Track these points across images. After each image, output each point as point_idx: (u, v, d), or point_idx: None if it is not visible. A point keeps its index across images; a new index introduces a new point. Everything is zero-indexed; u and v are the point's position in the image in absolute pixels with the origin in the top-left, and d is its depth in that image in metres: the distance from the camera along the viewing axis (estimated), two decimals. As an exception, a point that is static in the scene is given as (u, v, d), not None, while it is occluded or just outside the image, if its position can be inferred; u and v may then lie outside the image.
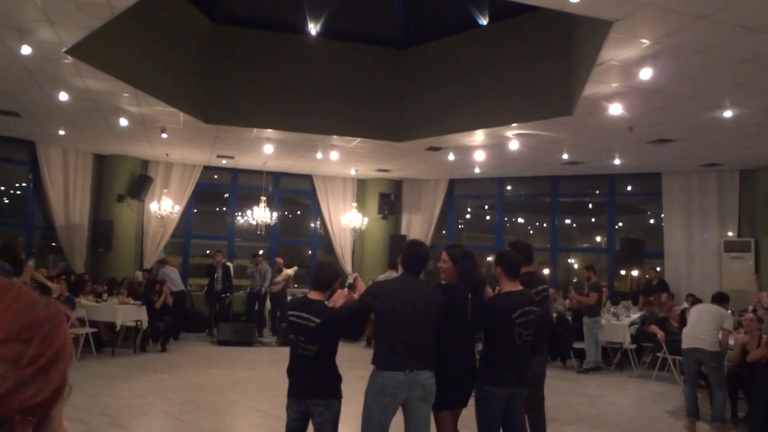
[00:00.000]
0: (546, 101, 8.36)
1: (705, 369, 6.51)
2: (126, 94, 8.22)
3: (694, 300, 9.32)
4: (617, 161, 11.17)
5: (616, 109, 7.41)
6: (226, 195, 14.34)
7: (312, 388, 3.68)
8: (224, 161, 12.85)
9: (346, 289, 4.18)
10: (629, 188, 13.59)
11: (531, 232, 17.73)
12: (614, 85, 6.98)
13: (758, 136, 9.01)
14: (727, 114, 7.82)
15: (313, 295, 3.80)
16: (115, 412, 6.10)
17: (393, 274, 10.82)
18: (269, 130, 9.89)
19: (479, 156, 10.83)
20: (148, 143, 11.28)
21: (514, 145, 9.76)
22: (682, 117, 8.10)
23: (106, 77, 7.43)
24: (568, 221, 15.71)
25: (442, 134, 9.70)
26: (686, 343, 6.59)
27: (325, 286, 3.81)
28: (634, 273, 14.75)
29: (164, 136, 10.18)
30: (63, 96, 7.93)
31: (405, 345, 3.56)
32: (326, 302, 3.80)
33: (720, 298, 6.78)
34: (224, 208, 14.41)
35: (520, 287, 4.01)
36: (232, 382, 7.87)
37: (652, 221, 15.62)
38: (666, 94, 7.20)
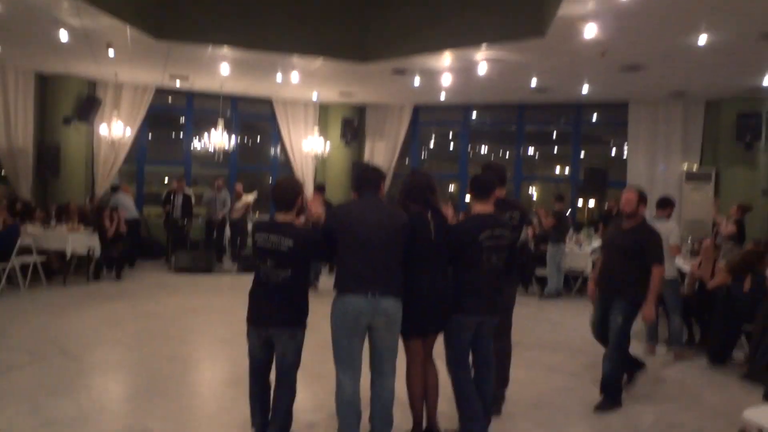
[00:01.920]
0: (518, 21, 7.96)
1: (663, 295, 6.55)
2: (65, 4, 7.50)
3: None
4: (585, 89, 10.95)
5: (590, 30, 7.09)
6: (182, 119, 13.68)
7: (277, 317, 3.48)
8: (178, 82, 12.15)
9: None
10: (595, 118, 13.47)
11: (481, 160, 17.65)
12: (590, 4, 6.64)
13: (727, 66, 8.87)
14: (702, 39, 7.58)
15: (281, 217, 3.54)
16: (65, 342, 5.83)
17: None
18: (225, 47, 9.26)
19: (446, 80, 10.45)
20: (95, 62, 10.50)
21: (482, 69, 9.40)
22: (655, 41, 7.85)
23: (41, -18, 6.73)
24: (531, 151, 15.63)
25: (408, 55, 9.24)
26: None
27: (289, 204, 3.53)
28: (591, 204, 14.90)
29: (111, 53, 9.45)
30: (-7, 3, 7.19)
31: (366, 268, 3.39)
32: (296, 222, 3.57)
33: (662, 204, 6.56)
34: (180, 134, 13.78)
35: (491, 210, 3.83)
36: (189, 309, 7.65)
37: (614, 152, 15.69)
38: (642, 16, 6.90)
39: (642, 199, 4.77)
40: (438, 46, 8.94)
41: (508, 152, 17.24)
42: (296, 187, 3.58)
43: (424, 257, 3.63)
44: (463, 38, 8.61)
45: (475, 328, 3.75)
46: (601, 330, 5.04)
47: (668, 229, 6.26)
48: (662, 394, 5.16)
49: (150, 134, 13.50)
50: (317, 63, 9.93)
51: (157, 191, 15.13)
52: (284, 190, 3.56)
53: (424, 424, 3.81)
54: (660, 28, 7.29)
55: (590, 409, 4.68)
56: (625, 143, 12.69)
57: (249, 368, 3.63)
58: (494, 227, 3.74)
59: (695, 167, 11.79)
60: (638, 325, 7.25)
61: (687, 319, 6.86)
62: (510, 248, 3.92)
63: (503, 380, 4.38)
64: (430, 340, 3.79)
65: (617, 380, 4.78)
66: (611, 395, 4.73)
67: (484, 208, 3.82)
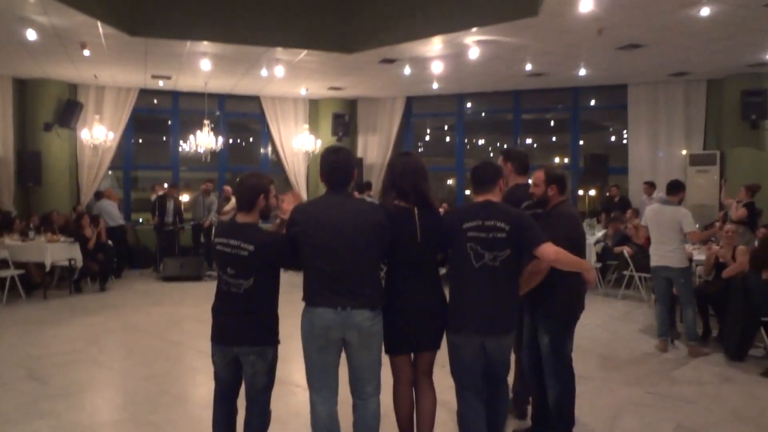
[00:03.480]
0: (508, 0, 7.54)
1: (675, 286, 6.15)
2: (30, 1, 7.08)
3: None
4: (582, 71, 10.50)
5: (586, 5, 6.65)
6: (169, 121, 13.26)
7: (240, 334, 3.04)
8: (161, 82, 11.72)
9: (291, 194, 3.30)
10: (593, 102, 13.03)
11: (492, 154, 17.19)
12: (585, -24, 6.22)
13: (731, 38, 8.43)
14: (704, 12, 7.15)
15: (242, 218, 3.10)
16: (35, 363, 5.43)
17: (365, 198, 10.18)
18: (205, 42, 8.83)
19: (437, 68, 10.02)
20: (71, 63, 10.09)
21: (474, 54, 8.96)
22: (655, 16, 7.41)
23: (-2, -22, 6.31)
24: (529, 141, 15.15)
25: (396, 43, 8.81)
26: (653, 261, 6.21)
27: (248, 204, 3.09)
28: (592, 192, 14.44)
29: (86, 53, 9.02)
30: (-51, 2, 6.77)
31: (333, 278, 2.90)
32: (262, 224, 3.13)
33: (672, 188, 6.14)
34: (166, 137, 13.34)
35: (488, 198, 3.19)
36: (174, 321, 7.24)
37: (613, 138, 15.24)
38: (641, -12, 6.49)
39: (552, 180, 3.64)
40: (426, 32, 8.52)
41: (505, 143, 16.83)
42: (257, 185, 3.10)
43: (407, 262, 3.13)
44: (451, 22, 8.19)
45: (480, 350, 3.14)
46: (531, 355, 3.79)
47: (681, 215, 5.87)
48: (679, 395, 4.74)
49: (137, 138, 13.09)
50: (302, 55, 9.50)
51: (146, 197, 14.74)
52: (243, 187, 3.12)
53: None
54: (660, 0, 6.85)
55: (603, 414, 4.26)
56: (624, 129, 12.27)
57: (214, 392, 3.21)
58: (487, 218, 3.10)
59: (699, 149, 11.35)
60: (649, 320, 6.92)
61: (703, 311, 6.44)
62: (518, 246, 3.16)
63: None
64: (423, 357, 3.26)
65: (568, 409, 3.63)
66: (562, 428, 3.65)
67: (483, 197, 3.23)
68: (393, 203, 3.17)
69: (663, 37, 8.31)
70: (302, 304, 3.00)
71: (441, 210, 3.49)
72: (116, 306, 8.09)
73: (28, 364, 5.40)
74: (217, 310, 3.13)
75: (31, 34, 7.88)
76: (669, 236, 5.98)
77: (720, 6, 7.04)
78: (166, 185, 11.63)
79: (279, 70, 10.09)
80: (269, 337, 3.08)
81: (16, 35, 8.22)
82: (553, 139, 16.65)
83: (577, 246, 3.46)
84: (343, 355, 3.03)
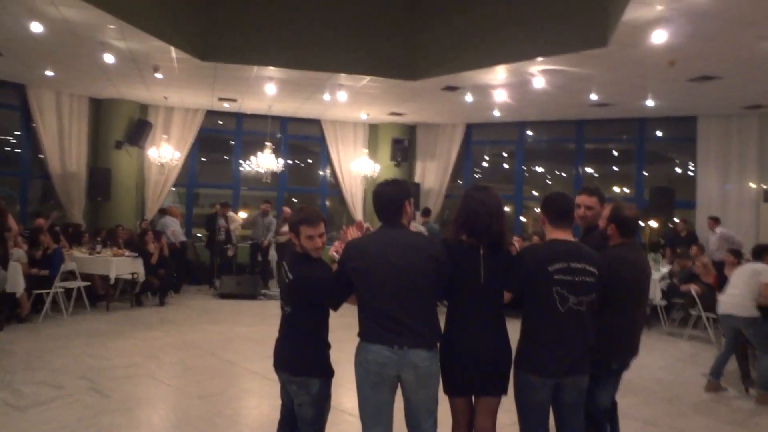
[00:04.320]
0: (577, 30, 7.37)
1: (746, 336, 5.84)
2: (111, 26, 7.43)
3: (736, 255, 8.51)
4: (650, 103, 10.22)
5: (659, 36, 6.48)
6: (232, 141, 13.62)
7: (283, 360, 3.10)
8: (227, 104, 12.07)
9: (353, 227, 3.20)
10: (659, 134, 12.62)
11: (549, 182, 16.86)
12: (659, 7, 6.05)
13: (813, 71, 8.04)
14: (786, 44, 6.86)
15: (299, 248, 3.11)
16: (97, 375, 5.56)
17: (416, 225, 10.16)
18: (271, 67, 9.05)
19: (499, 96, 9.94)
20: (144, 85, 10.52)
21: (538, 83, 8.85)
22: (732, 48, 7.14)
23: (83, 4, 6.59)
24: (589, 170, 14.80)
25: (459, 71, 8.74)
26: (720, 309, 5.97)
27: (290, 231, 3.15)
28: (653, 224, 13.90)
29: (158, 76, 9.39)
30: (36, 27, 7.15)
31: (388, 317, 2.81)
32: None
33: (758, 252, 6.11)
34: (229, 157, 13.69)
35: (570, 238, 3.06)
36: (229, 339, 7.32)
37: (678, 170, 14.70)
38: (718, 19, 6.25)
39: (613, 219, 3.42)
40: (491, 61, 8.43)
41: (563, 172, 16.47)
42: (293, 216, 3.14)
43: (468, 302, 2.99)
44: (517, 52, 8.09)
45: (553, 392, 2.99)
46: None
47: (758, 272, 5.78)
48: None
49: (200, 157, 13.48)
50: (365, 81, 9.59)
51: (208, 213, 15.14)
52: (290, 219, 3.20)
53: None
54: (739, 31, 6.60)
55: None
56: (691, 161, 11.83)
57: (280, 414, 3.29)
58: (572, 259, 2.93)
59: (774, 185, 10.82)
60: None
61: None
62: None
63: None
64: (486, 403, 3.07)
65: None
66: None
67: (562, 235, 3.06)
68: (459, 239, 3.03)
69: (739, 69, 8.00)
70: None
71: (515, 242, 3.31)
72: (174, 322, 8.25)
73: (90, 376, 5.54)
74: (278, 333, 3.21)
75: (108, 58, 8.26)
76: (740, 284, 5.77)
77: (802, 38, 6.73)
78: (217, 205, 11.87)
79: (341, 95, 10.23)
80: (312, 368, 3.02)
81: (96, 59, 8.63)
82: (614, 168, 16.22)
83: (630, 290, 3.32)
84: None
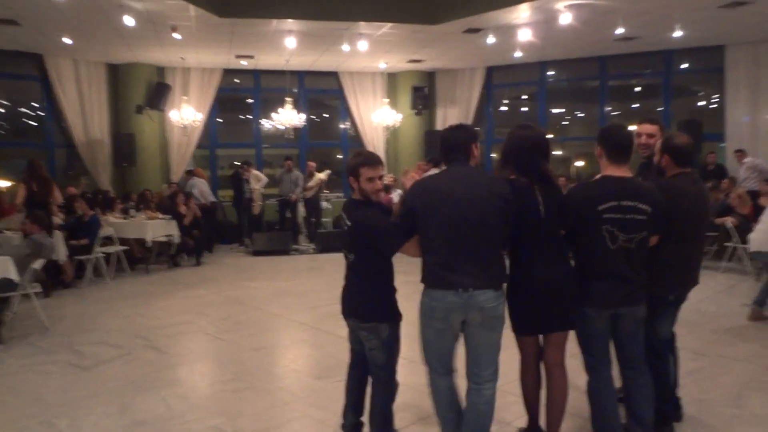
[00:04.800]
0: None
1: None
2: (127, -13, 7.35)
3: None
4: (677, 34, 9.95)
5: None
6: (250, 100, 13.54)
7: (351, 307, 3.16)
8: (244, 62, 11.95)
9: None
10: (684, 66, 12.31)
11: (566, 122, 16.60)
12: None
13: None
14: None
15: (354, 195, 3.15)
16: (151, 333, 5.72)
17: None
18: (290, 20, 8.92)
19: (523, 36, 9.72)
20: (161, 47, 10.43)
21: (564, 19, 8.64)
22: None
23: (101, -34, 6.54)
24: (608, 108, 14.57)
25: (482, 11, 8.61)
26: (751, 246, 6.03)
27: (349, 175, 3.11)
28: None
29: (176, 36, 9.30)
30: (57, -8, 7.09)
31: (455, 257, 2.78)
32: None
33: None
34: (248, 115, 13.63)
35: (626, 174, 3.03)
36: (271, 294, 7.46)
37: (702, 102, 14.40)
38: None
39: (666, 149, 3.37)
40: (515, -1, 8.27)
41: (581, 112, 16.20)
42: (354, 158, 3.11)
43: (532, 240, 3.00)
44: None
45: (611, 323, 3.05)
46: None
47: None
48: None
49: (219, 118, 13.45)
50: (385, 28, 9.43)
51: (229, 174, 15.21)
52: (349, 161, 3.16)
53: None
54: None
55: (726, 392, 4.08)
56: (717, 93, 11.56)
57: (350, 358, 3.36)
58: (623, 197, 2.92)
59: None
60: (755, 293, 6.55)
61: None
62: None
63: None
64: (555, 339, 3.11)
65: (663, 393, 3.39)
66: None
67: (617, 172, 3.02)
68: (511, 178, 3.00)
69: (773, -9, 7.74)
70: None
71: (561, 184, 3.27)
72: (214, 279, 8.42)
73: (144, 334, 5.70)
74: (344, 282, 3.22)
75: (128, 20, 8.16)
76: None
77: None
78: (239, 163, 11.92)
79: (362, 45, 10.07)
80: (380, 313, 3.05)
81: (114, 22, 8.56)
82: (634, 106, 15.93)
83: (687, 223, 3.27)
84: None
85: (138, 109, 11.78)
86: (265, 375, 4.62)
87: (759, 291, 5.96)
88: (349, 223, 3.06)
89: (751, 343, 5.22)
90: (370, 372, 3.18)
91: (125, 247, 8.88)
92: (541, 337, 3.19)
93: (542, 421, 3.26)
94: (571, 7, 8.31)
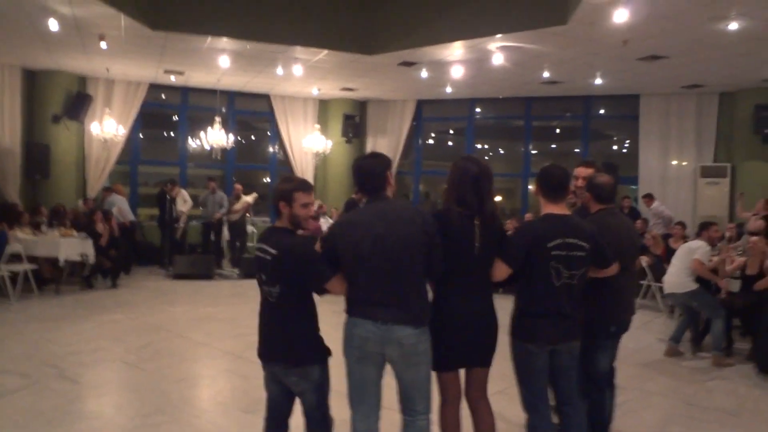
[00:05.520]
0: (537, 8, 7.52)
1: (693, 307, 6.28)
2: (56, -10, 6.98)
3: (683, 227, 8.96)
4: (598, 81, 10.55)
5: (620, 16, 6.65)
6: (175, 117, 13.13)
7: (276, 352, 2.86)
8: (173, 77, 11.59)
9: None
10: (602, 111, 13.06)
11: (487, 157, 17.13)
12: (622, -14, 6.22)
13: (751, 55, 8.50)
14: (733, 26, 7.20)
15: (279, 222, 2.95)
16: (62, 361, 5.31)
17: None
18: (225, 38, 8.74)
19: (456, 72, 9.98)
20: (85, 55, 9.94)
21: (497, 60, 8.95)
22: (683, 29, 7.44)
23: (28, -33, 6.18)
24: (531, 147, 15.20)
25: (418, 46, 8.76)
26: (665, 288, 6.55)
27: (276, 206, 2.93)
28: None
29: (103, 45, 8.88)
30: (-25, -10, 6.63)
31: (376, 292, 2.76)
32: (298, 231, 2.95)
33: (700, 229, 6.55)
34: (173, 133, 13.19)
35: (567, 213, 3.15)
36: (194, 320, 7.14)
37: (615, 147, 15.29)
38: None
39: (588, 188, 3.58)
40: (450, 37, 8.49)
41: (502, 149, 16.79)
42: (278, 190, 2.93)
43: (463, 274, 2.99)
44: (476, 27, 8.15)
45: (548, 358, 3.09)
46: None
47: (699, 246, 6.29)
48: (720, 407, 4.73)
49: (142, 133, 12.92)
50: (321, 54, 9.43)
51: (151, 192, 14.60)
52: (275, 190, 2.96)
53: None
54: (692, 12, 6.88)
55: (650, 427, 4.23)
56: (630, 139, 12.34)
57: (266, 408, 3.02)
58: (567, 234, 3.02)
59: (710, 161, 11.42)
60: (668, 329, 6.92)
61: (727, 323, 6.45)
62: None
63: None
64: (478, 374, 3.11)
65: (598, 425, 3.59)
66: None
67: (557, 210, 3.12)
68: (453, 209, 3.01)
69: (687, 49, 8.35)
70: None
71: (508, 226, 3.34)
72: (132, 303, 7.97)
73: (54, 362, 5.28)
74: (260, 322, 2.96)
75: (53, 25, 7.74)
76: (676, 263, 6.30)
77: (748, 21, 7.08)
78: (169, 183, 11.54)
79: (297, 69, 10.02)
80: (310, 356, 2.85)
81: (35, 25, 8.10)
82: (553, 146, 16.69)
83: (617, 254, 3.34)
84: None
85: (55, 118, 11.14)
86: (190, 408, 4.38)
87: (675, 328, 6.29)
88: (274, 251, 2.80)
89: (669, 378, 5.49)
90: (304, 414, 2.97)
91: (34, 266, 8.27)
92: (462, 376, 3.16)
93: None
94: (503, 48, 8.62)
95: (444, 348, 2.99)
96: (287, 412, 3.01)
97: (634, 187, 12.25)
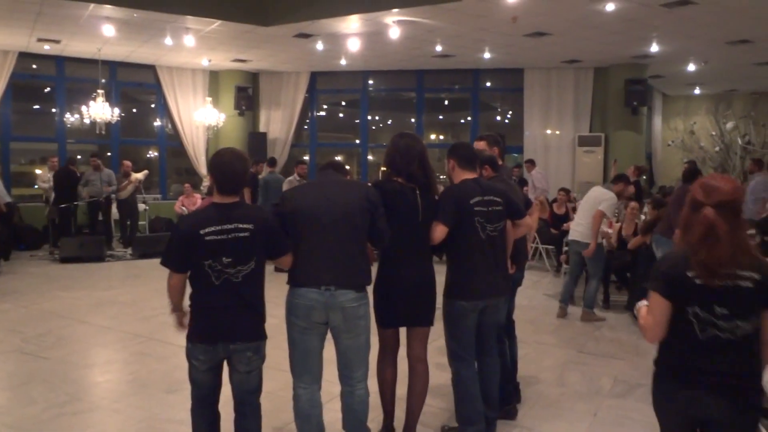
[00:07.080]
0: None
1: (586, 260, 6.71)
2: None
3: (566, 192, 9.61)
4: (487, 55, 11.03)
5: (513, -7, 7.01)
6: (47, 89, 12.18)
7: (237, 329, 2.74)
8: (47, 46, 10.72)
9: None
10: (489, 84, 13.67)
11: (376, 129, 17.38)
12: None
13: (625, 32, 9.24)
14: (609, 7, 7.81)
15: (223, 199, 2.78)
16: (-49, 356, 4.93)
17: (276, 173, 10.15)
18: (108, 6, 8.22)
19: (352, 45, 10.05)
20: (-58, 21, 8.96)
21: (393, 33, 9.11)
22: (567, 8, 7.98)
23: None
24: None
25: (315, 18, 8.74)
26: (569, 235, 6.76)
27: (239, 186, 2.82)
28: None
29: (-34, 11, 8.08)
30: None
31: (319, 257, 2.91)
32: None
33: (616, 178, 6.64)
34: (52, 108, 12.19)
35: (474, 176, 3.43)
36: (93, 305, 6.81)
37: (498, 118, 16.08)
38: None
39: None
40: (348, 10, 8.53)
41: (391, 119, 17.10)
42: (245, 163, 2.87)
43: (408, 241, 3.21)
44: (376, 1, 8.25)
45: (478, 316, 3.35)
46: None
47: (607, 197, 6.36)
48: (607, 353, 5.30)
49: (13, 107, 11.86)
50: (213, 25, 9.12)
51: (26, 170, 13.51)
52: (235, 168, 2.80)
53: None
54: (576, -7, 7.38)
55: (550, 372, 4.67)
56: (512, 110, 13.14)
57: (192, 397, 2.87)
58: (484, 193, 3.32)
59: (586, 131, 12.35)
60: (557, 288, 7.53)
61: (605, 280, 7.03)
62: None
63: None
64: (418, 333, 3.35)
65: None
66: None
67: (470, 175, 3.42)
68: (394, 181, 3.23)
69: (568, 27, 8.95)
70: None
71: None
72: (19, 291, 7.42)
73: (-58, 358, 4.89)
74: (202, 306, 2.75)
75: None
76: (584, 211, 6.52)
77: (624, 3, 7.71)
78: (54, 159, 10.78)
79: (188, 40, 9.63)
80: (263, 329, 2.86)
81: None
82: (440, 117, 17.24)
83: None
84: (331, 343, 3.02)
85: None
86: (108, 393, 4.26)
87: (563, 289, 6.78)
88: (249, 226, 2.73)
89: (563, 331, 6.03)
90: (239, 403, 2.89)
91: None
92: (404, 334, 3.38)
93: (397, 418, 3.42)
94: (399, 22, 8.79)
95: (390, 307, 3.24)
96: (218, 398, 2.92)
97: (517, 155, 12.99)
